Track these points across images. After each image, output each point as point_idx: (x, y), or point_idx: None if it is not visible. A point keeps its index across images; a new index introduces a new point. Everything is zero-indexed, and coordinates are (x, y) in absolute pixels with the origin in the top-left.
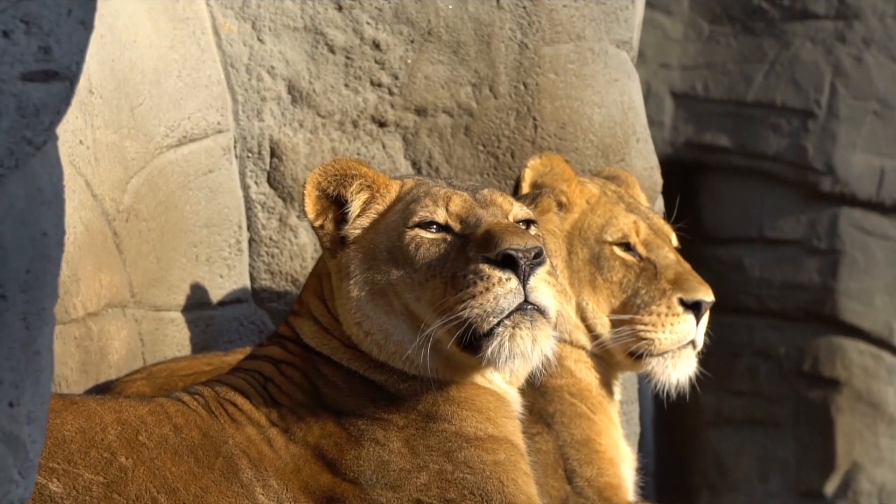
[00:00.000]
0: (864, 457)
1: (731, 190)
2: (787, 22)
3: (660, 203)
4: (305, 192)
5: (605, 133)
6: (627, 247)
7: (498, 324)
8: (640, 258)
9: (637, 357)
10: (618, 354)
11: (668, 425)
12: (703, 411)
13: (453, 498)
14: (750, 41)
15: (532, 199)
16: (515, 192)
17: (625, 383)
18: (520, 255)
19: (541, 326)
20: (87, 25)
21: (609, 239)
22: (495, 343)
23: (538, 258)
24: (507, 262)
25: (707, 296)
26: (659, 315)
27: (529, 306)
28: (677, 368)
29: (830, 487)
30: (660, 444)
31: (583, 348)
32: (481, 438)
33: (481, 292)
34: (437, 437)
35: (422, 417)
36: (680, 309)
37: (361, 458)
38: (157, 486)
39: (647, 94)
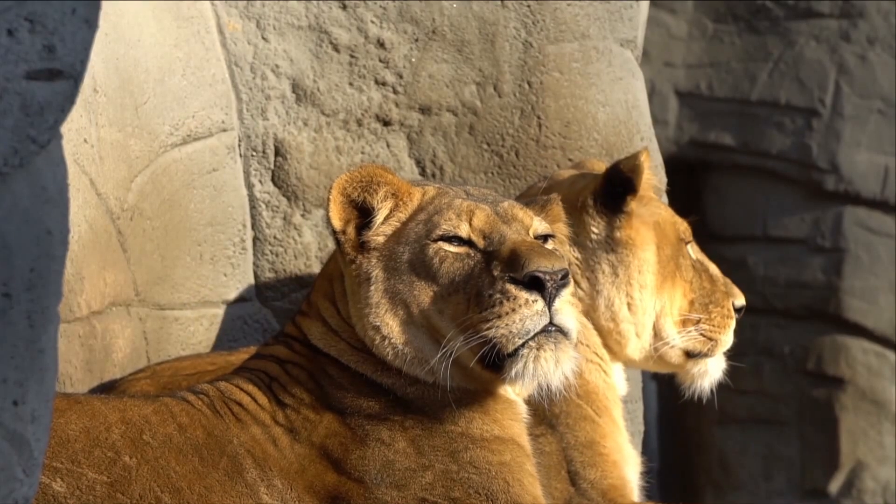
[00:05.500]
0: (868, 455)
1: (736, 188)
2: (791, 21)
3: (664, 202)
4: (331, 197)
5: (609, 132)
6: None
7: (522, 345)
8: (695, 259)
9: (693, 357)
10: (674, 357)
11: (672, 424)
12: (707, 410)
13: (458, 497)
14: (754, 40)
15: (542, 205)
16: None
17: (628, 382)
18: (547, 277)
19: (564, 348)
20: (91, 24)
21: (684, 238)
22: (520, 364)
23: (564, 280)
24: (534, 284)
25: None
26: (722, 317)
27: (553, 328)
28: (718, 370)
29: (835, 486)
30: (664, 442)
31: (631, 350)
32: (487, 439)
33: (507, 313)
34: (443, 437)
35: (428, 418)
36: (734, 313)
37: (366, 458)
38: (161, 486)
39: (652, 93)
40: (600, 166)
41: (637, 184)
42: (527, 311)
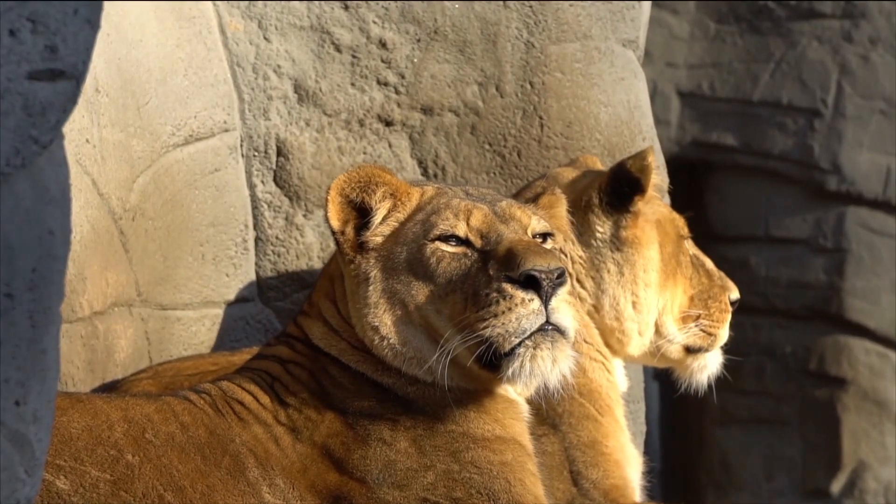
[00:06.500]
0: (870, 455)
1: (738, 189)
2: (793, 21)
3: (666, 202)
4: (329, 198)
5: (611, 132)
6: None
7: (519, 344)
8: (692, 255)
9: (693, 352)
10: (675, 353)
11: (674, 424)
12: (709, 410)
13: (460, 497)
14: (756, 40)
15: (535, 197)
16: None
17: (630, 382)
18: (543, 276)
19: (561, 347)
20: (93, 24)
21: (683, 234)
22: (516, 363)
23: (560, 279)
24: (530, 283)
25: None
26: (720, 312)
27: (550, 327)
28: (716, 364)
29: (837, 486)
30: (666, 442)
31: (635, 347)
32: (488, 439)
33: (503, 312)
34: (444, 437)
35: (429, 418)
36: (730, 306)
37: (368, 458)
38: (163, 484)
39: (654, 94)
40: (595, 162)
41: (646, 184)
42: (523, 310)
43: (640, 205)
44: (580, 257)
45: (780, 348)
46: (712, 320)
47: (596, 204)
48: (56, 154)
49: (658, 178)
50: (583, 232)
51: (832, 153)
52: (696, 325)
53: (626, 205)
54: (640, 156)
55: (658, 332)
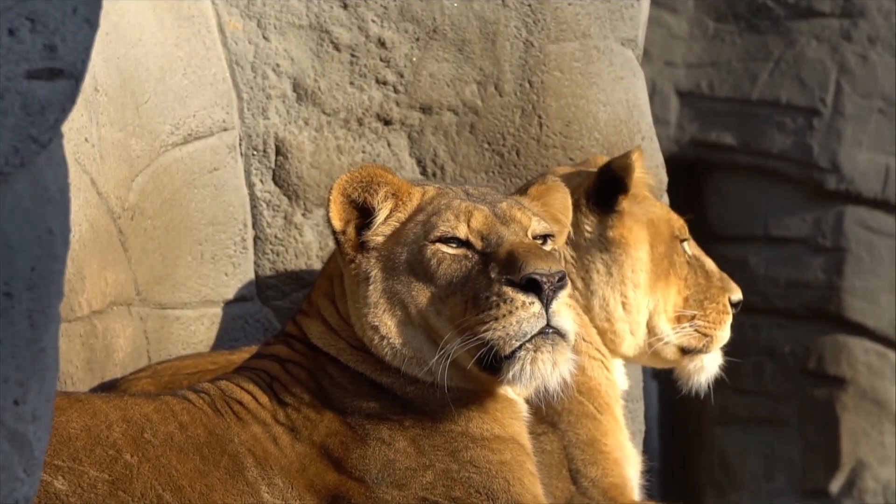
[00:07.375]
0: (869, 455)
1: (737, 188)
2: (792, 20)
3: (665, 201)
4: (331, 198)
5: (610, 131)
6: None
7: (519, 347)
8: (690, 256)
9: (688, 353)
10: (670, 353)
11: (673, 424)
12: (708, 410)
13: (459, 496)
14: (755, 39)
15: (524, 188)
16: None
17: (629, 381)
18: (544, 279)
19: (561, 350)
20: (92, 23)
21: (679, 235)
22: (517, 366)
23: (561, 282)
24: (531, 286)
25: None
26: (718, 313)
27: (550, 330)
28: (714, 365)
29: (836, 486)
30: (665, 442)
31: (629, 348)
32: (487, 438)
33: (504, 315)
34: (443, 436)
35: (428, 418)
36: (730, 308)
37: (367, 457)
38: (162, 484)
39: (653, 93)
40: (604, 162)
41: (628, 183)
42: (524, 314)
43: (626, 204)
44: (571, 257)
45: (780, 348)
46: (708, 321)
47: (584, 203)
48: (55, 153)
49: (652, 178)
50: (572, 232)
51: (831, 152)
52: (691, 326)
53: (613, 204)
54: (625, 155)
55: (652, 332)
